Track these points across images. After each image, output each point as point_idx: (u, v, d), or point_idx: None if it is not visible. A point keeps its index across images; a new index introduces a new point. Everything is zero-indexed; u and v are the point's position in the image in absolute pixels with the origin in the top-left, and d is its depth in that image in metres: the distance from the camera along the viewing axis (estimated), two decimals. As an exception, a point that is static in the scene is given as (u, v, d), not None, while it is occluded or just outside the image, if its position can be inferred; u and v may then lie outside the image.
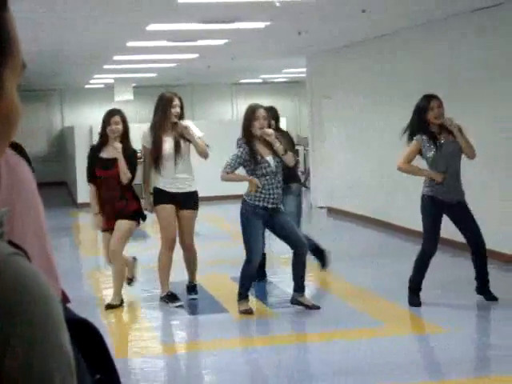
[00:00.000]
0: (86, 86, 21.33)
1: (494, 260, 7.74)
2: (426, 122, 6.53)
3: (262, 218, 6.52)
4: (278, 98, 23.65)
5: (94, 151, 7.00)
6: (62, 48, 11.76)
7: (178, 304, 6.97)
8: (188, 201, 6.96)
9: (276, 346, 6.02)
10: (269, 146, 6.50)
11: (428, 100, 6.60)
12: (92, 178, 6.94)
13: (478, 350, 5.58)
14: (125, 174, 6.72)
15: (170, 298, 7.01)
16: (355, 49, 12.44)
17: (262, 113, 6.52)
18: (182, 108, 7.08)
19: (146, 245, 10.65)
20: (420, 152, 6.57)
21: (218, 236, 11.52)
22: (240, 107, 23.89)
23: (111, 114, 6.90)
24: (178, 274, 7.34)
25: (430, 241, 6.58)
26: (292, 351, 5.91)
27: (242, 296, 6.66)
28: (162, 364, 5.60)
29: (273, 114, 7.33)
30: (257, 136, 6.50)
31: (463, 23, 9.21)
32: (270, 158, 6.52)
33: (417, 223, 10.54)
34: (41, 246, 1.24)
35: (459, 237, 9.37)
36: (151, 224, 13.98)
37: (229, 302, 7.15)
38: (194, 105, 23.31)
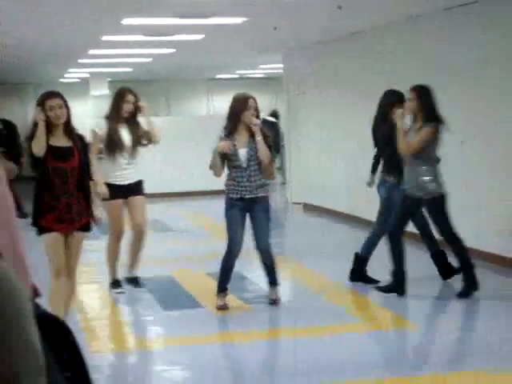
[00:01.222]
0: (61, 81, 21.17)
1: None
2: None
3: (240, 210, 6.54)
4: (255, 93, 23.47)
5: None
6: (37, 42, 11.66)
7: (119, 291, 7.22)
8: (137, 188, 7.21)
9: (251, 342, 6.01)
10: (248, 137, 6.50)
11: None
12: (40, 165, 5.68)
13: (450, 346, 5.61)
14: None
15: (113, 284, 7.26)
16: (331, 45, 12.45)
17: (253, 103, 6.54)
18: (136, 103, 7.18)
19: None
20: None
21: (195, 232, 11.50)
22: (216, 103, 23.85)
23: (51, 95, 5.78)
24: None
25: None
26: (267, 347, 5.91)
27: (220, 289, 6.68)
28: (135, 359, 5.58)
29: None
30: (243, 125, 6.48)
31: (439, 20, 9.25)
32: (242, 151, 6.52)
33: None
34: (11, 241, 1.22)
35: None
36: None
37: (204, 298, 7.14)
38: (170, 100, 23.23)
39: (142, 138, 7.14)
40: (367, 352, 5.60)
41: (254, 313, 6.65)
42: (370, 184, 7.60)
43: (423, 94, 6.80)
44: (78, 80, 20.80)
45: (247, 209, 6.57)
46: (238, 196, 6.55)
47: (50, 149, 5.57)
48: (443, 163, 6.86)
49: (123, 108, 7.10)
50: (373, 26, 10.72)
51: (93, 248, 9.87)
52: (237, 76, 22.26)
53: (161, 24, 9.91)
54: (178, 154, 15.54)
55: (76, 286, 5.89)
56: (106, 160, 7.08)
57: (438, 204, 6.63)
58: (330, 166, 12.35)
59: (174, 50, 13.40)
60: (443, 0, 8.59)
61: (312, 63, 13.45)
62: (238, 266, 8.46)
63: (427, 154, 6.64)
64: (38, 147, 5.50)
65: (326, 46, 12.64)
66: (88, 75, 18.57)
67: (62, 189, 5.56)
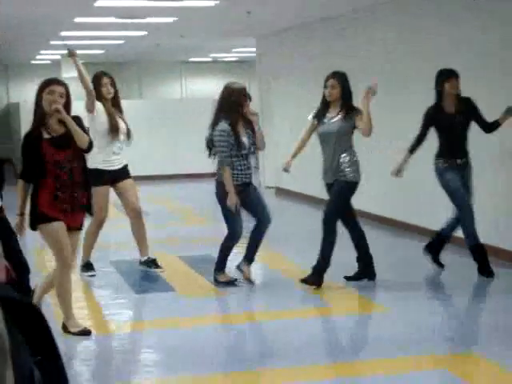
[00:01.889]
0: (33, 62, 20.97)
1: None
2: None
3: (239, 194, 6.74)
4: (228, 77, 23.48)
5: (35, 135, 5.34)
6: (8, 22, 11.53)
7: (90, 274, 7.29)
8: (124, 172, 7.30)
9: (222, 325, 6.05)
10: (246, 126, 6.66)
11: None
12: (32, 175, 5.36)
13: (419, 330, 5.68)
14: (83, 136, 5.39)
15: (85, 267, 7.32)
16: (304, 30, 12.46)
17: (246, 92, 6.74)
18: (113, 86, 7.23)
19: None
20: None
21: (167, 216, 11.49)
22: (189, 86, 23.77)
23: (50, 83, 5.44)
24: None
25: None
26: (239, 330, 5.95)
27: (220, 268, 6.89)
28: (108, 343, 5.59)
29: None
30: (241, 116, 6.63)
31: (408, 7, 9.28)
32: (245, 139, 6.70)
33: (363, 204, 10.66)
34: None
35: (401, 216, 9.53)
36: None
37: (176, 281, 7.16)
38: (142, 83, 23.10)
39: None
40: (343, 335, 5.66)
41: (226, 296, 6.68)
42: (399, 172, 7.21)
43: (344, 80, 6.84)
44: (49, 62, 20.60)
45: (245, 194, 6.79)
46: (240, 183, 6.76)
47: (47, 141, 5.27)
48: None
49: (102, 92, 7.13)
50: (345, 11, 10.73)
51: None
52: (210, 59, 22.19)
53: (133, 6, 9.86)
54: (151, 138, 15.49)
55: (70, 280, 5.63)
56: (96, 144, 6.93)
57: (346, 189, 6.68)
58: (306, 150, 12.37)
59: (146, 33, 13.33)
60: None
61: (285, 48, 13.45)
62: (210, 250, 8.51)
63: (351, 142, 6.73)
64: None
65: (299, 30, 12.64)
66: (59, 57, 18.40)
67: (64, 179, 5.27)
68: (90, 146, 5.40)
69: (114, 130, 7.10)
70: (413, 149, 7.00)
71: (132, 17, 10.91)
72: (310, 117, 6.97)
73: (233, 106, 6.62)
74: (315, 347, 5.32)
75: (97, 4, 9.52)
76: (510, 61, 7.54)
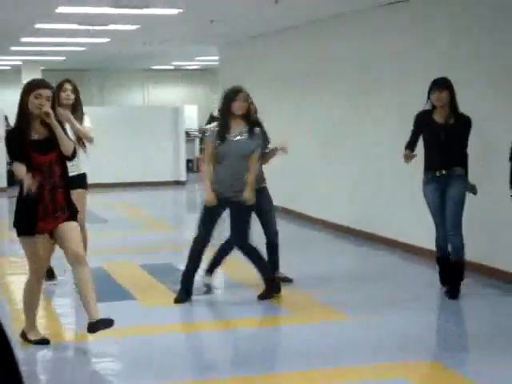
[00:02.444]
0: (-8, 68, 20.77)
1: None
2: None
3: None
4: (190, 85, 23.59)
5: (20, 134, 5.25)
6: (-33, 27, 11.41)
7: (52, 282, 7.24)
8: (78, 181, 6.96)
9: (183, 334, 6.03)
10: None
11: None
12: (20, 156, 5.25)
13: (381, 338, 5.72)
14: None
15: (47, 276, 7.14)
16: (267, 39, 12.51)
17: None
18: (75, 92, 7.09)
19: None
20: None
21: (127, 223, 11.43)
22: (151, 93, 23.71)
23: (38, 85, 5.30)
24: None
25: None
26: (199, 338, 5.93)
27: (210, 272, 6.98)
28: (66, 352, 5.53)
29: None
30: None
31: (372, 18, 9.37)
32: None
33: (323, 213, 10.71)
34: None
35: (367, 227, 9.60)
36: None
37: (137, 290, 7.12)
38: (105, 90, 22.99)
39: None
40: (298, 343, 5.67)
41: (187, 305, 6.65)
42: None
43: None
44: (9, 67, 20.41)
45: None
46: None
47: (31, 143, 5.17)
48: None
49: (61, 96, 7.00)
50: (308, 21, 10.80)
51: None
52: (172, 67, 22.17)
53: (96, 13, 9.80)
54: (112, 145, 15.40)
55: (89, 270, 5.42)
56: None
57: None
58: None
59: (109, 40, 13.27)
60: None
61: (248, 56, 13.49)
62: (171, 258, 8.48)
63: None
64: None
65: (262, 38, 12.69)
66: (20, 63, 18.24)
67: (48, 183, 5.19)
68: (74, 153, 5.31)
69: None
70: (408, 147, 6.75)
71: (94, 24, 10.86)
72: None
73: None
74: (276, 355, 5.33)
75: (58, 10, 9.45)
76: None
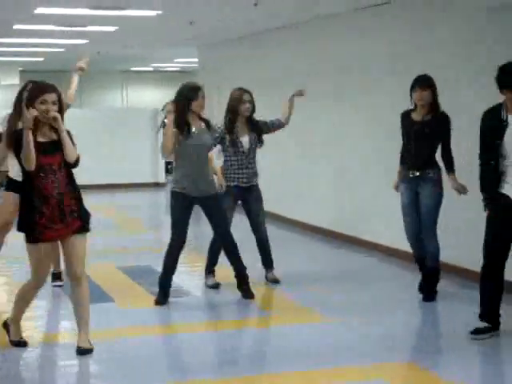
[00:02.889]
0: (-30, 69, 20.61)
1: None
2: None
3: (234, 197, 7.12)
4: (170, 86, 23.50)
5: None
6: None
7: (57, 284, 7.19)
8: None
9: (161, 336, 6.02)
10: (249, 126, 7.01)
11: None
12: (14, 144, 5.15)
13: (359, 340, 5.74)
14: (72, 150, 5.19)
15: (52, 276, 7.19)
16: (246, 41, 12.53)
17: (248, 97, 7.10)
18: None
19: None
20: None
21: (105, 225, 11.38)
22: (130, 95, 23.65)
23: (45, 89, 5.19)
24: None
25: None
26: (177, 341, 5.92)
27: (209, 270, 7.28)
28: (44, 354, 5.51)
29: None
30: (241, 117, 6.99)
31: (351, 20, 9.41)
32: (245, 139, 7.08)
33: (304, 215, 10.73)
34: None
35: (345, 230, 9.63)
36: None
37: (114, 292, 7.10)
38: (83, 92, 22.86)
39: None
40: (277, 345, 5.68)
41: (165, 307, 6.64)
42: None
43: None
44: (-14, 68, 20.28)
45: (241, 197, 7.17)
46: (237, 184, 7.09)
47: (36, 145, 5.04)
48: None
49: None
50: (287, 23, 10.83)
51: None
52: (151, 69, 22.13)
53: (74, 14, 9.77)
54: (91, 147, 15.33)
55: (88, 294, 5.40)
56: None
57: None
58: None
59: (87, 41, 13.23)
60: (354, 1, 8.75)
61: (227, 58, 13.50)
62: (150, 260, 8.46)
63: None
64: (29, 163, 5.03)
65: (241, 41, 12.70)
66: (-3, 64, 18.13)
67: (52, 188, 5.09)
68: (77, 161, 5.20)
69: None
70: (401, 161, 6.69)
71: (72, 25, 10.82)
72: None
73: (231, 104, 7.22)
74: (255, 357, 5.33)
75: (36, 11, 9.41)
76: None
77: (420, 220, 6.55)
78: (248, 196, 7.19)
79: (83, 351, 5.31)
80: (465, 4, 7.48)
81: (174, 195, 6.56)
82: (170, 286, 6.68)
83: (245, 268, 6.80)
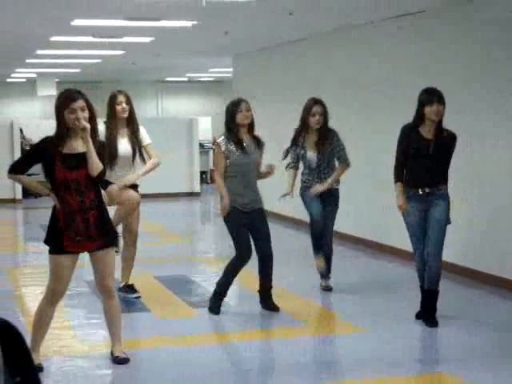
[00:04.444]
0: (8, 80, 20.89)
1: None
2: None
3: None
4: (204, 96, 23.65)
5: (52, 144, 5.00)
6: (-17, 40, 11.50)
7: (135, 296, 7.13)
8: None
9: (197, 346, 6.01)
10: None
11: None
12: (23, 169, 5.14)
13: (394, 351, 5.69)
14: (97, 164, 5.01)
15: (127, 288, 7.17)
16: (281, 50, 12.54)
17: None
18: (128, 104, 6.98)
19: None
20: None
21: (142, 234, 11.41)
22: (165, 105, 23.79)
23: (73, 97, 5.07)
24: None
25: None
26: (214, 351, 5.92)
27: (315, 250, 7.29)
28: (81, 363, 5.53)
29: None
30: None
31: (387, 28, 9.38)
32: (313, 154, 7.20)
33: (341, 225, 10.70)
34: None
35: (370, 236, 9.56)
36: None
37: (151, 301, 7.12)
38: (119, 102, 23.08)
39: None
40: (316, 356, 5.65)
41: (200, 317, 6.65)
42: None
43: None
44: (24, 80, 20.53)
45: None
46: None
47: (61, 157, 4.95)
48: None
49: (117, 110, 6.92)
50: (322, 32, 10.82)
51: (38, 250, 9.76)
52: (186, 79, 22.24)
53: (110, 26, 9.86)
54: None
55: (119, 305, 5.42)
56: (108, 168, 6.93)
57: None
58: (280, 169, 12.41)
59: (124, 52, 13.34)
60: (393, 8, 8.72)
61: (261, 67, 13.51)
62: (186, 270, 8.48)
63: None
64: None
65: (275, 50, 12.71)
66: (35, 75, 18.34)
67: (77, 202, 4.99)
68: (101, 174, 5.03)
69: (111, 157, 6.74)
70: (400, 177, 6.31)
71: (109, 36, 10.92)
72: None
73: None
74: (290, 368, 5.31)
75: (74, 23, 9.51)
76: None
77: (429, 239, 6.16)
78: (327, 200, 7.28)
79: (121, 361, 5.32)
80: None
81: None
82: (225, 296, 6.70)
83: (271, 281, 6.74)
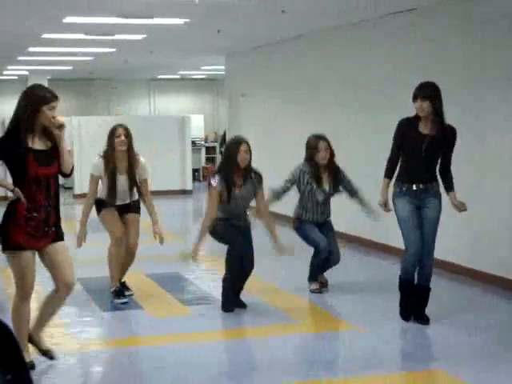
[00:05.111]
0: (-1, 77, 20.83)
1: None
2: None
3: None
4: (196, 94, 23.62)
5: (19, 140, 4.93)
6: (-25, 38, 11.45)
7: (121, 301, 6.99)
8: (130, 207, 7.14)
9: (191, 344, 6.00)
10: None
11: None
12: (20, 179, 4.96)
13: (392, 349, 5.70)
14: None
15: (116, 293, 7.05)
16: (273, 48, 12.53)
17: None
18: (127, 137, 7.04)
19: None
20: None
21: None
22: (157, 103, 23.74)
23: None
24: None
25: None
26: (207, 349, 5.91)
27: (312, 279, 7.36)
28: (75, 361, 5.52)
29: None
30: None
31: (378, 27, 9.38)
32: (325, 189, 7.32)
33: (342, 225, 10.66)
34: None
35: (372, 236, 9.57)
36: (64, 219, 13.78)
37: (143, 299, 7.11)
38: (111, 100, 23.03)
39: None
40: (312, 353, 5.66)
41: (193, 314, 6.64)
42: None
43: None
44: (16, 77, 20.46)
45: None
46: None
47: (34, 153, 4.91)
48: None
49: (117, 143, 7.01)
50: (314, 30, 10.81)
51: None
52: (178, 76, 22.20)
53: (102, 23, 9.83)
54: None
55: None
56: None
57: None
58: (271, 167, 12.41)
59: (115, 50, 13.31)
60: (384, 7, 8.72)
61: (254, 65, 13.51)
62: (178, 268, 8.47)
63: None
64: None
65: (268, 48, 12.71)
66: (27, 73, 18.28)
67: (44, 198, 4.95)
68: (72, 171, 5.12)
69: (111, 195, 6.99)
70: (389, 174, 6.26)
71: (101, 34, 10.89)
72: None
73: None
74: (283, 364, 5.31)
75: (66, 20, 9.48)
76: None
77: (422, 237, 6.10)
78: (322, 228, 7.39)
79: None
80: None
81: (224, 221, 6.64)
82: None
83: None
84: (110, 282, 7.12)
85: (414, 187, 6.09)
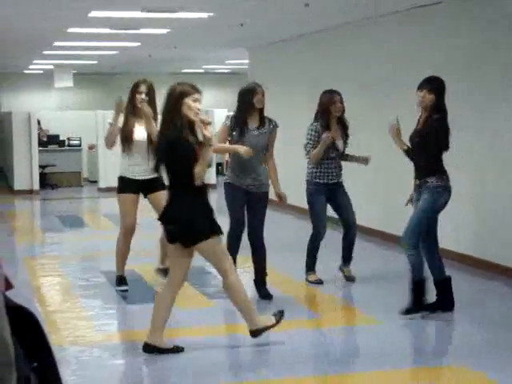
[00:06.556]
0: (25, 72, 20.96)
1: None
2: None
3: (324, 194, 7.22)
4: (220, 88, 23.64)
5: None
6: (1, 32, 11.55)
7: (122, 288, 7.01)
8: (154, 184, 6.92)
9: (211, 337, 6.04)
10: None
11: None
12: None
13: (411, 342, 5.70)
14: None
15: (118, 280, 7.05)
16: (297, 42, 12.52)
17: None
18: (148, 95, 6.95)
19: (83, 233, 10.55)
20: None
21: (159, 226, 11.45)
22: (181, 97, 23.76)
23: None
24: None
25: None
26: (228, 341, 5.94)
27: (310, 268, 7.25)
28: (98, 353, 5.57)
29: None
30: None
31: (402, 20, 9.34)
32: (340, 142, 7.28)
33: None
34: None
35: (389, 228, 9.56)
36: (88, 212, 13.86)
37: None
38: (135, 93, 23.10)
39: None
40: (334, 346, 5.67)
41: (217, 307, 6.67)
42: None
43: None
44: (41, 71, 20.60)
45: (328, 194, 7.28)
46: (325, 181, 7.25)
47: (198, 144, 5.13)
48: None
49: (136, 98, 6.88)
50: (338, 24, 10.79)
51: (55, 241, 9.83)
52: (202, 71, 22.23)
53: (127, 17, 9.89)
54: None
55: None
56: (123, 154, 6.92)
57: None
58: (293, 162, 12.42)
59: (140, 44, 13.36)
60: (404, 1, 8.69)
61: (277, 59, 13.50)
62: (202, 261, 8.49)
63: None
64: None
65: (291, 42, 12.70)
66: (52, 67, 18.40)
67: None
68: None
69: (124, 140, 6.88)
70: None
71: (126, 28, 10.95)
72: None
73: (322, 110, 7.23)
74: (305, 359, 5.33)
75: (91, 14, 9.55)
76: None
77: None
78: (336, 193, 7.28)
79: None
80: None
81: (227, 186, 6.79)
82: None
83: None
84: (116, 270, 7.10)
85: (418, 182, 6.13)
